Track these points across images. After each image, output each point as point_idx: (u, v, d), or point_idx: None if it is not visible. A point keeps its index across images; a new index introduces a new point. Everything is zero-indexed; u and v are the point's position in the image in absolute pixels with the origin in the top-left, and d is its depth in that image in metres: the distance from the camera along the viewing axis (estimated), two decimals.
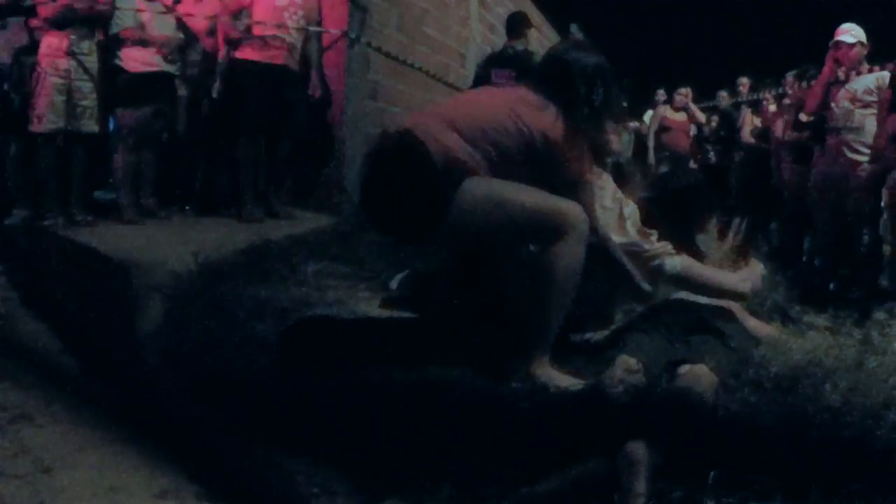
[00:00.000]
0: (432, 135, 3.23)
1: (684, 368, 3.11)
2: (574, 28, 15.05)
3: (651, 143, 11.77)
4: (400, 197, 3.29)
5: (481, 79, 7.45)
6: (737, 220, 9.57)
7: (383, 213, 3.46)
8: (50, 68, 6.10)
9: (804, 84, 8.06)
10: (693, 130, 11.99)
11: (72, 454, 3.49)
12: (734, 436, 2.81)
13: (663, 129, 11.74)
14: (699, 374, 3.05)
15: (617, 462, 2.63)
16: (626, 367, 3.06)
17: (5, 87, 6.49)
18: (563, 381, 3.25)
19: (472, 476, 2.69)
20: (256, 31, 6.50)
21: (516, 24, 8.42)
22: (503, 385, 3.18)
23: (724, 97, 11.47)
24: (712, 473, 2.55)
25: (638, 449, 2.62)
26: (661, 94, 13.02)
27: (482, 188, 3.21)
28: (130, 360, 4.26)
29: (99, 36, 6.40)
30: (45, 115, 6.08)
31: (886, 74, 6.49)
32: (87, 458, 3.46)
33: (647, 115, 12.88)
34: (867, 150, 6.36)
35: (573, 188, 3.39)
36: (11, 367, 4.47)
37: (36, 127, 6.12)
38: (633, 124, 13.07)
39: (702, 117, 11.80)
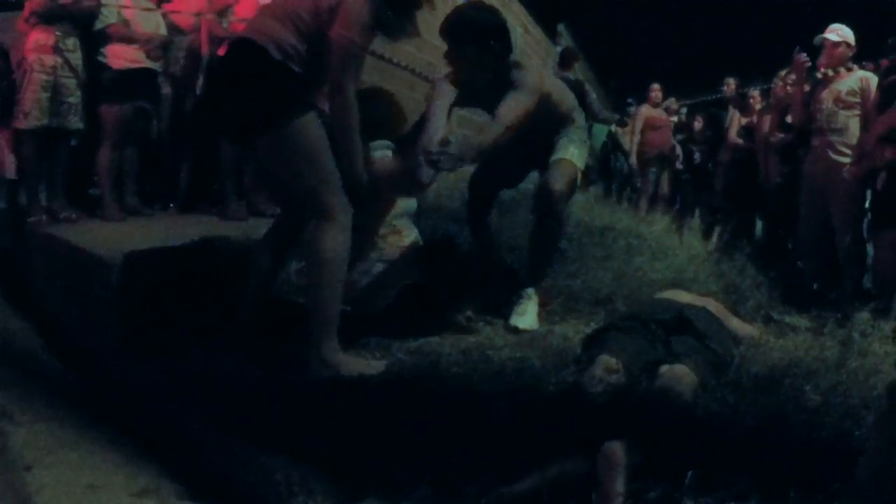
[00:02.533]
0: (264, 32, 3.61)
1: (664, 368, 3.13)
2: (561, 28, 15.09)
3: (634, 143, 11.79)
4: (243, 92, 3.64)
5: None
6: (721, 221, 9.64)
7: (225, 117, 3.80)
8: (36, 64, 6.08)
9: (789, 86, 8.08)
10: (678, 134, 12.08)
11: (52, 452, 3.46)
12: (713, 436, 2.81)
13: (647, 127, 11.75)
14: (679, 374, 3.07)
15: (595, 461, 2.63)
16: (606, 367, 3.07)
17: None
18: (354, 365, 3.54)
19: (449, 475, 2.69)
20: (240, 28, 6.47)
21: (568, 58, 11.06)
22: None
23: (730, 85, 11.30)
24: (690, 473, 2.55)
25: (616, 448, 2.62)
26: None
27: (297, 136, 3.57)
28: (111, 357, 4.25)
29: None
30: (30, 112, 6.06)
31: (871, 75, 6.52)
32: (68, 457, 3.44)
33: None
34: (850, 152, 6.38)
35: (336, 52, 3.59)
36: None
37: (21, 123, 6.11)
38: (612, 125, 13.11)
39: (675, 105, 11.97)
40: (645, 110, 11.92)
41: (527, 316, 4.47)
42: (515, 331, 4.35)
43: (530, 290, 4.60)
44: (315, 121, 3.62)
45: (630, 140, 11.92)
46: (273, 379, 3.35)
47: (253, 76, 3.60)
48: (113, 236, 5.42)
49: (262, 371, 3.46)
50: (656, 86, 11.96)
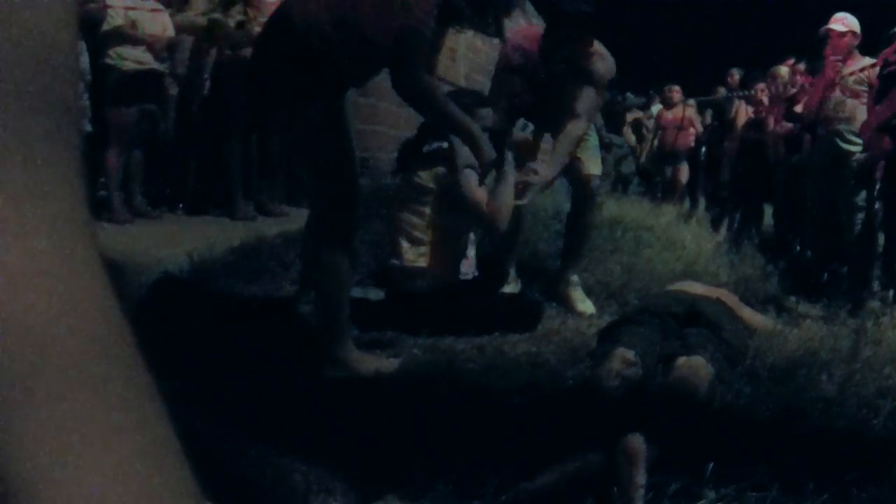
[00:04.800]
0: (298, 5, 3.39)
1: (680, 360, 3.12)
2: None
3: (649, 142, 11.92)
4: (266, 60, 3.50)
5: None
6: (729, 212, 9.66)
7: (266, 86, 3.58)
8: None
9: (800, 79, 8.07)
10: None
11: None
12: (731, 427, 2.81)
13: (659, 128, 11.84)
14: (695, 366, 3.06)
15: (615, 455, 2.63)
16: (623, 360, 3.07)
17: None
18: (369, 363, 3.49)
19: (468, 472, 2.69)
20: None
21: None
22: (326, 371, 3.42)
23: (720, 92, 11.54)
24: (710, 465, 2.55)
25: (636, 441, 2.62)
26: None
27: (308, 119, 3.38)
28: None
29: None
30: None
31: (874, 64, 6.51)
32: None
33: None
34: (859, 140, 6.37)
35: (400, 39, 3.34)
36: None
37: None
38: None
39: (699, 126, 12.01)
40: (662, 111, 12.02)
41: (587, 300, 4.76)
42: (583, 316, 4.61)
43: (576, 277, 4.85)
44: (333, 109, 3.41)
45: (646, 139, 12.03)
46: (288, 378, 3.34)
47: (275, 45, 3.45)
48: (122, 238, 5.43)
49: (278, 370, 3.45)
50: (676, 88, 12.01)
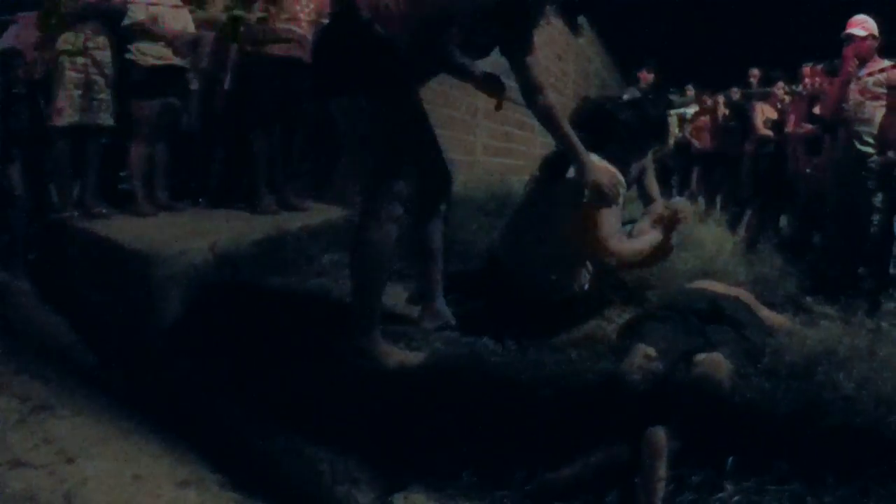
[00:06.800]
0: None
1: (701, 356, 3.15)
2: (582, 20, 15.01)
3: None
4: (341, 50, 3.43)
5: None
6: (748, 212, 9.62)
7: (330, 74, 3.52)
8: (68, 62, 6.14)
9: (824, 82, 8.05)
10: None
11: (94, 444, 3.51)
12: (751, 422, 2.84)
13: (696, 129, 11.92)
14: (716, 362, 3.09)
15: (639, 447, 2.67)
16: (645, 355, 3.10)
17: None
18: (394, 355, 3.50)
19: (493, 462, 2.73)
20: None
21: None
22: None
23: (735, 92, 11.55)
24: (731, 459, 2.58)
25: (659, 434, 2.66)
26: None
27: (368, 110, 3.38)
28: (150, 350, 4.30)
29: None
30: (64, 109, 6.12)
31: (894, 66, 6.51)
32: (110, 448, 3.49)
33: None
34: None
35: None
36: (31, 359, 4.50)
37: (55, 121, 6.17)
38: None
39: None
40: (697, 113, 12.09)
41: None
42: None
43: None
44: (396, 102, 3.42)
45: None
46: (315, 370, 3.37)
47: (339, 29, 3.48)
48: (146, 231, 5.48)
49: (304, 362, 3.48)
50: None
